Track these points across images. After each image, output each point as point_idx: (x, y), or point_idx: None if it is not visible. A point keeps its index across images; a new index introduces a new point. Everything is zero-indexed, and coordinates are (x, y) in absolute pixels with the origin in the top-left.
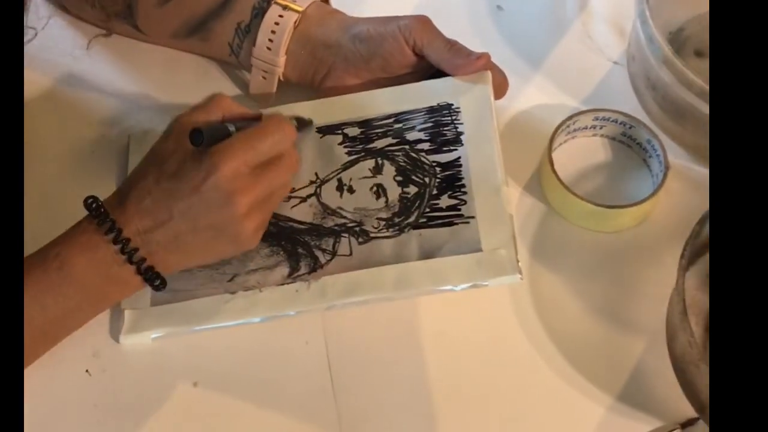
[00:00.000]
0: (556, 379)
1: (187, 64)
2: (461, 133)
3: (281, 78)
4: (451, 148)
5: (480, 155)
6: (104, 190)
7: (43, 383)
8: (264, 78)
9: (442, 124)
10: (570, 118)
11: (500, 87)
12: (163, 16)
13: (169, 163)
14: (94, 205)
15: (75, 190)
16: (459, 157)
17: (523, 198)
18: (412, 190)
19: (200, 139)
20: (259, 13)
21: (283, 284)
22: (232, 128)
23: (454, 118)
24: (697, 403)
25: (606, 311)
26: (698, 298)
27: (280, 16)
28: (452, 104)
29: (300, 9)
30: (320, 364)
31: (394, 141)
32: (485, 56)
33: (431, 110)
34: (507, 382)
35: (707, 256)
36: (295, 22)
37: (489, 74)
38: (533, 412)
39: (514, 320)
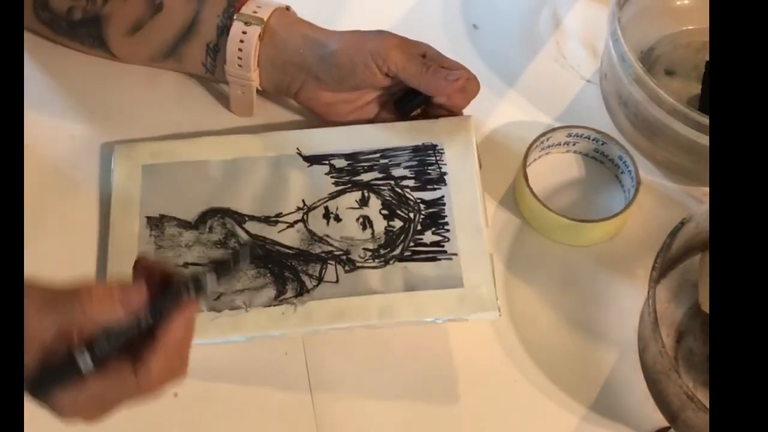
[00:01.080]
0: (530, 390)
1: (169, 76)
2: (445, 173)
3: (259, 89)
4: (435, 186)
5: (463, 195)
6: (87, 203)
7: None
8: (242, 92)
9: (427, 163)
10: (544, 134)
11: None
12: (135, 45)
13: None
14: None
15: (58, 203)
16: (443, 196)
17: (498, 212)
18: (398, 224)
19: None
20: (223, 31)
21: (269, 306)
22: (84, 364)
23: (438, 158)
24: (668, 413)
25: (579, 323)
26: (669, 310)
27: (244, 32)
28: (437, 145)
29: (263, 18)
30: (299, 375)
31: (380, 175)
32: (462, 76)
33: (416, 149)
34: (482, 392)
35: (678, 270)
36: (259, 36)
37: (472, 120)
38: (508, 421)
39: (490, 331)
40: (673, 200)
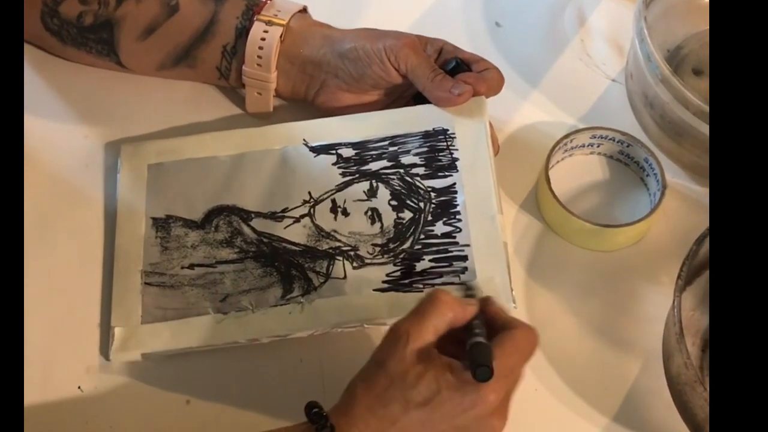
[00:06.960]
0: (551, 399)
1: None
2: (456, 159)
3: (274, 94)
4: (446, 173)
5: (475, 182)
6: (94, 204)
7: (36, 400)
8: (259, 94)
9: (438, 149)
10: (567, 136)
11: (496, 85)
12: (147, 50)
13: (418, 389)
14: (318, 418)
15: (66, 205)
16: (454, 183)
17: (519, 216)
18: (407, 215)
19: (488, 377)
20: (242, 32)
21: (276, 305)
22: (487, 342)
23: (449, 143)
24: (693, 425)
25: (602, 331)
26: (695, 318)
27: (265, 31)
28: (448, 130)
29: (283, 22)
30: (314, 382)
31: (389, 164)
32: (467, 91)
33: (426, 135)
34: None
35: (704, 277)
36: (280, 36)
37: (485, 100)
38: None
39: None
40: (699, 204)
